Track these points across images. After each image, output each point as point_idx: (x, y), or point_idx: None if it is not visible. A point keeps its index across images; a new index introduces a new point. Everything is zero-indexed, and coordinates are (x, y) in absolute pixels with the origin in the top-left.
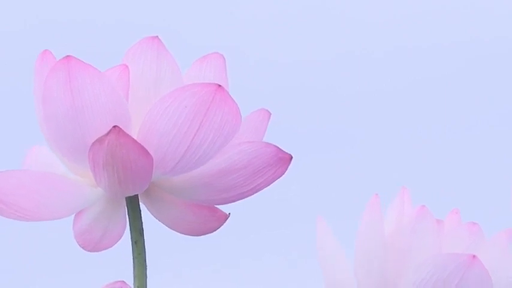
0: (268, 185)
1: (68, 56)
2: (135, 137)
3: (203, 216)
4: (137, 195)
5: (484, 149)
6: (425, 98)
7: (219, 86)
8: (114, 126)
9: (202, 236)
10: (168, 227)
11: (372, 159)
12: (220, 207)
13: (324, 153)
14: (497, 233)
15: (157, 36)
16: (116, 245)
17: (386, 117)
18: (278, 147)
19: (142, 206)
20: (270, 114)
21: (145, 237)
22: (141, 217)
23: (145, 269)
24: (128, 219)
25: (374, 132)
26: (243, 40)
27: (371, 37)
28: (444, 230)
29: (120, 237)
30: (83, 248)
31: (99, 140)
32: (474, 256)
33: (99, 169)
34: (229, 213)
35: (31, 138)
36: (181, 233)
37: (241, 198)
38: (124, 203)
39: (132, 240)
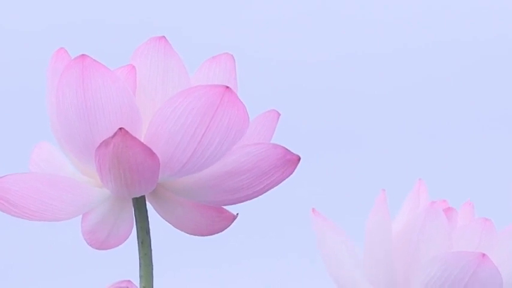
0: (276, 185)
1: (82, 54)
2: (142, 138)
3: (210, 217)
4: (144, 195)
5: (488, 147)
6: (429, 96)
7: (227, 87)
8: (120, 129)
9: (209, 236)
10: (175, 227)
11: (377, 159)
12: (228, 207)
13: (329, 152)
14: (506, 227)
15: (164, 36)
16: (123, 244)
17: (391, 117)
18: (286, 149)
19: (148, 206)
20: (279, 114)
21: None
22: (147, 217)
23: (152, 269)
24: (134, 219)
25: (379, 132)
26: (245, 40)
27: (374, 37)
28: (457, 224)
29: (127, 237)
30: (90, 245)
31: (105, 142)
32: (484, 255)
33: (105, 171)
34: (237, 214)
35: (43, 137)
36: (188, 233)
37: (249, 199)
38: (131, 203)
39: (138, 240)
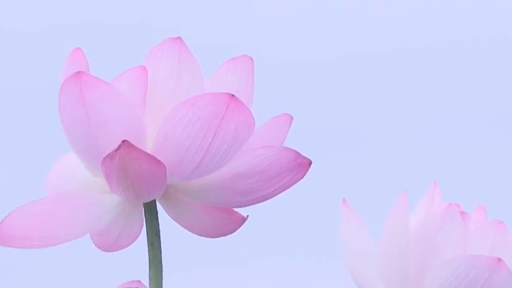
0: (285, 189)
1: (79, 72)
2: (150, 145)
3: (220, 218)
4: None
5: (488, 147)
6: (429, 96)
7: (232, 96)
8: (124, 141)
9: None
10: (185, 228)
11: (377, 159)
12: (238, 209)
13: (329, 152)
14: None
15: (179, 37)
16: (132, 245)
17: (391, 117)
18: (297, 152)
19: (159, 207)
20: (292, 118)
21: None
22: (157, 219)
23: (161, 270)
24: (144, 221)
25: (379, 132)
26: (245, 40)
27: (374, 37)
28: (470, 227)
29: (136, 238)
30: (98, 247)
31: (110, 156)
32: (500, 259)
33: (113, 182)
34: (247, 216)
35: (43, 137)
36: (198, 234)
37: (259, 202)
38: (141, 205)
39: (148, 242)
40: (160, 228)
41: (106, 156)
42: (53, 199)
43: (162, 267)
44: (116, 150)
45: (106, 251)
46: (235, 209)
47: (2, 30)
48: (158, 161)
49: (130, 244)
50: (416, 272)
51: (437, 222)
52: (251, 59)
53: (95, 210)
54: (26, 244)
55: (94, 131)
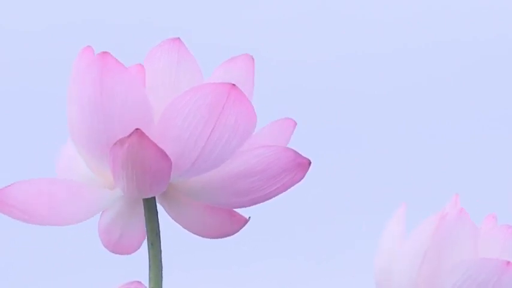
0: (285, 190)
1: (104, 52)
2: (151, 138)
3: (221, 219)
4: (154, 197)
5: (488, 147)
6: (429, 96)
7: (233, 85)
8: (136, 129)
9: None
10: (186, 229)
11: (377, 159)
12: (240, 210)
13: (329, 152)
14: None
15: (178, 38)
16: (138, 249)
17: (391, 117)
18: (296, 152)
19: (159, 207)
20: (295, 123)
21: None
22: (157, 219)
23: (161, 271)
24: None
25: (379, 132)
26: (245, 40)
27: (374, 37)
28: (480, 233)
29: (142, 240)
30: (105, 246)
31: (121, 141)
32: (508, 262)
33: (118, 170)
34: (249, 217)
35: (43, 137)
36: (198, 235)
37: (258, 203)
38: (141, 203)
39: (148, 242)
40: (160, 228)
41: (117, 142)
42: (53, 182)
43: (162, 267)
44: (128, 136)
45: (112, 251)
46: (237, 210)
47: (2, 30)
48: (165, 155)
49: (135, 248)
50: (426, 276)
51: (448, 226)
52: (252, 58)
53: (91, 200)
54: (30, 220)
55: (106, 112)
